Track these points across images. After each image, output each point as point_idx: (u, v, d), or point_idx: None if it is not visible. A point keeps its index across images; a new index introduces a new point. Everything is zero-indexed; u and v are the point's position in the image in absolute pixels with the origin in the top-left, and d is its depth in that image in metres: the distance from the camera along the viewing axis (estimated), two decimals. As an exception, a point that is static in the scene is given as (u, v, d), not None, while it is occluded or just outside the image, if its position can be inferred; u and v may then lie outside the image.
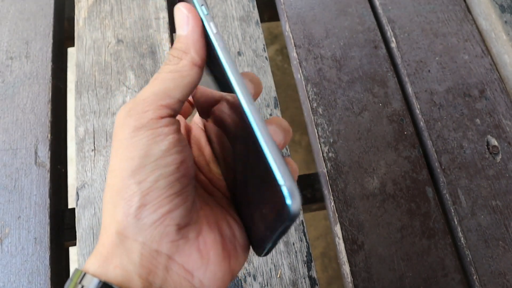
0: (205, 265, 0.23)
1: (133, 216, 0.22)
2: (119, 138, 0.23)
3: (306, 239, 0.42)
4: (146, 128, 0.22)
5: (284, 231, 0.21)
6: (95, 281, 0.21)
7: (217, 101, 0.26)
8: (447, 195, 0.44)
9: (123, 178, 0.22)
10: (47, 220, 0.43)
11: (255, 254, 0.41)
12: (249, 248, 0.27)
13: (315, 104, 0.48)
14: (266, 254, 0.24)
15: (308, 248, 0.42)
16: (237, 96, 0.21)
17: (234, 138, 0.25)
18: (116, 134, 0.23)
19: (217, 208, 0.27)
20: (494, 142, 0.47)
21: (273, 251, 0.42)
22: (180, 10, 0.24)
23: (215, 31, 0.23)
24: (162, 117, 0.23)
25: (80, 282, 0.22)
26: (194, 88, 0.24)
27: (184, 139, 0.24)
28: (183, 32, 0.24)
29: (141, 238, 0.22)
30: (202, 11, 0.24)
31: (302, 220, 0.43)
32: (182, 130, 0.28)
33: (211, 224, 0.25)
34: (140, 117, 0.23)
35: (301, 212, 0.44)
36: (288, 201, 0.19)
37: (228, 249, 0.25)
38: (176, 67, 0.24)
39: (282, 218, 0.20)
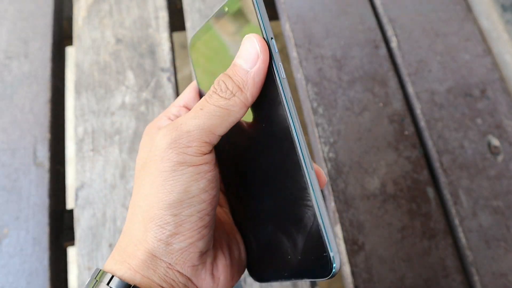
0: None
1: (164, 242, 0.23)
2: (159, 169, 0.23)
3: (306, 240, 0.42)
4: (188, 164, 0.23)
5: (303, 279, 0.24)
6: (124, 285, 0.23)
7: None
8: (448, 195, 0.44)
9: (159, 208, 0.23)
10: (46, 220, 0.42)
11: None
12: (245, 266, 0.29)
13: (315, 104, 0.48)
14: (262, 282, 0.27)
15: (308, 248, 0.42)
16: (299, 154, 0.23)
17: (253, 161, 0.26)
18: (156, 164, 0.24)
19: (227, 226, 0.28)
20: (495, 142, 0.47)
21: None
22: (253, 42, 0.23)
23: (283, 76, 0.23)
24: (204, 154, 0.23)
25: (108, 284, 0.23)
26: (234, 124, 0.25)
27: (217, 173, 0.25)
28: (247, 68, 0.23)
29: (167, 260, 0.24)
30: (274, 47, 0.23)
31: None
32: None
33: (223, 247, 0.27)
34: (183, 152, 0.23)
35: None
36: (334, 266, 0.21)
37: (235, 271, 0.27)
38: (227, 103, 0.23)
39: (316, 274, 0.22)
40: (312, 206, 0.22)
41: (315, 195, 0.22)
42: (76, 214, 0.43)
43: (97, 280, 0.24)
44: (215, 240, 0.26)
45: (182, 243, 0.24)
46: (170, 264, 0.24)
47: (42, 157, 0.45)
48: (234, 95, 0.23)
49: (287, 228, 0.24)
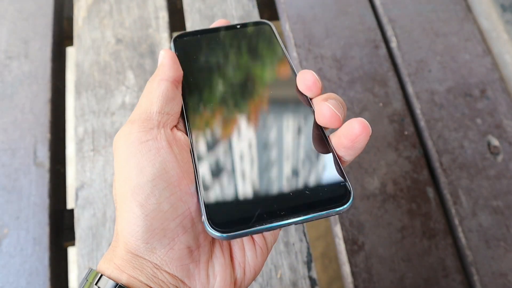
0: None
1: (142, 240, 0.22)
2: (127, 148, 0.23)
3: (306, 240, 0.42)
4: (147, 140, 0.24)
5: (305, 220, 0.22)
6: (111, 284, 0.22)
7: None
8: (447, 195, 0.44)
9: (125, 198, 0.22)
10: (46, 220, 0.42)
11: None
12: (258, 271, 0.25)
13: (315, 104, 0.48)
14: (228, 235, 0.22)
15: (308, 248, 0.42)
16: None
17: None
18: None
19: None
20: (495, 142, 0.47)
21: (273, 251, 0.41)
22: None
23: None
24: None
25: (96, 284, 0.22)
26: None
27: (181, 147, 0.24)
28: None
29: (152, 259, 0.22)
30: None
31: (302, 221, 0.43)
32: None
33: (223, 245, 0.24)
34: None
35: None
36: (352, 194, 0.22)
37: (236, 274, 0.24)
38: None
39: (333, 205, 0.22)
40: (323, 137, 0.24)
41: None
42: (76, 214, 0.43)
43: (87, 280, 0.22)
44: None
45: (162, 239, 0.22)
46: (156, 264, 0.22)
47: (42, 157, 0.45)
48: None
49: (294, 159, 0.24)
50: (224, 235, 0.21)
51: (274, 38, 0.30)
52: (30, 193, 0.43)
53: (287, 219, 0.22)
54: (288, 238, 0.42)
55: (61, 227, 0.45)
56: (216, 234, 0.21)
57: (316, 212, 0.22)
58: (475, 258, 0.41)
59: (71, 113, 0.48)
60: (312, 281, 0.41)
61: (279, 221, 0.21)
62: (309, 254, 0.42)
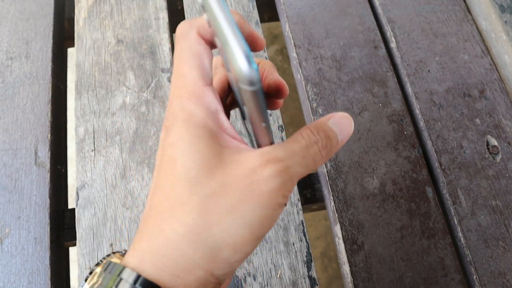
0: None
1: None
2: (257, 207, 0.22)
3: (306, 239, 0.42)
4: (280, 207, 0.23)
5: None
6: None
7: None
8: (447, 195, 0.44)
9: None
10: (47, 220, 0.43)
11: (255, 255, 0.41)
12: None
13: (315, 104, 0.48)
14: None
15: (308, 248, 0.42)
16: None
17: None
18: (253, 199, 0.22)
19: None
20: (494, 142, 0.47)
21: (273, 251, 0.42)
22: (352, 123, 0.26)
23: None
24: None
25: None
26: None
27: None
28: (340, 138, 0.25)
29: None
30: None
31: (302, 220, 0.43)
32: None
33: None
34: (285, 195, 0.23)
35: (301, 212, 0.44)
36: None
37: None
38: (320, 161, 0.25)
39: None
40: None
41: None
42: (77, 214, 0.43)
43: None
44: None
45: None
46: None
47: (43, 157, 0.46)
48: (325, 157, 0.24)
49: None
50: None
51: None
52: (31, 193, 0.44)
53: None
54: (288, 238, 0.42)
55: (62, 227, 0.45)
56: None
57: None
58: (474, 257, 0.41)
59: (72, 113, 0.49)
60: (312, 281, 0.41)
61: None
62: (308, 254, 0.42)
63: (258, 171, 0.21)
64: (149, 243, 0.21)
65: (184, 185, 0.21)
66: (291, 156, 0.23)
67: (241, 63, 0.18)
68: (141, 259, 0.21)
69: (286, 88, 0.27)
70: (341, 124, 0.25)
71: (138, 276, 0.20)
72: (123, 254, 0.25)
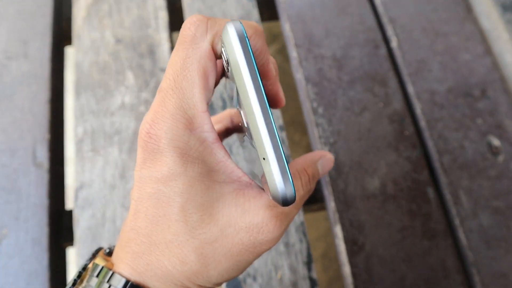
0: None
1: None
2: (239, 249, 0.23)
3: (306, 240, 0.42)
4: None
5: None
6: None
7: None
8: (448, 195, 0.44)
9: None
10: (46, 221, 0.42)
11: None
12: None
13: (315, 104, 0.48)
14: None
15: (308, 249, 0.42)
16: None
17: None
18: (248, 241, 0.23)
19: None
20: (495, 142, 0.46)
21: (273, 251, 0.41)
22: (332, 163, 0.28)
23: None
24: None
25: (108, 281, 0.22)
26: None
27: None
28: (321, 175, 0.27)
29: None
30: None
31: (302, 221, 0.43)
32: None
33: None
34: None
35: (301, 212, 0.43)
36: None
37: None
38: (304, 197, 0.26)
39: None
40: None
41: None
42: (75, 215, 0.43)
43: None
44: None
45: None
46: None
47: (41, 158, 0.45)
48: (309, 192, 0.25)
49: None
50: None
51: None
52: (29, 194, 0.43)
53: None
54: (288, 239, 0.42)
55: (60, 228, 0.45)
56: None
57: None
58: (476, 258, 0.41)
59: (71, 113, 0.48)
60: (312, 282, 0.40)
61: None
62: (309, 255, 0.41)
63: (265, 230, 0.22)
64: (149, 267, 0.22)
65: (183, 227, 0.21)
66: (294, 206, 0.23)
67: (278, 182, 0.18)
68: (144, 280, 0.22)
69: (283, 102, 0.26)
70: (326, 166, 0.27)
71: None
72: (107, 252, 0.25)
